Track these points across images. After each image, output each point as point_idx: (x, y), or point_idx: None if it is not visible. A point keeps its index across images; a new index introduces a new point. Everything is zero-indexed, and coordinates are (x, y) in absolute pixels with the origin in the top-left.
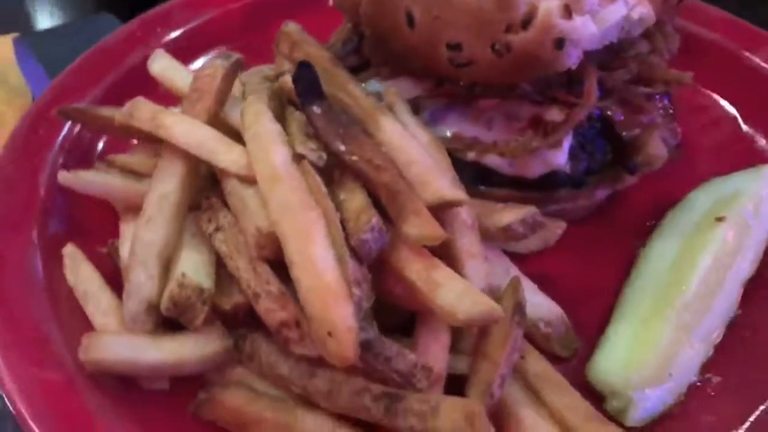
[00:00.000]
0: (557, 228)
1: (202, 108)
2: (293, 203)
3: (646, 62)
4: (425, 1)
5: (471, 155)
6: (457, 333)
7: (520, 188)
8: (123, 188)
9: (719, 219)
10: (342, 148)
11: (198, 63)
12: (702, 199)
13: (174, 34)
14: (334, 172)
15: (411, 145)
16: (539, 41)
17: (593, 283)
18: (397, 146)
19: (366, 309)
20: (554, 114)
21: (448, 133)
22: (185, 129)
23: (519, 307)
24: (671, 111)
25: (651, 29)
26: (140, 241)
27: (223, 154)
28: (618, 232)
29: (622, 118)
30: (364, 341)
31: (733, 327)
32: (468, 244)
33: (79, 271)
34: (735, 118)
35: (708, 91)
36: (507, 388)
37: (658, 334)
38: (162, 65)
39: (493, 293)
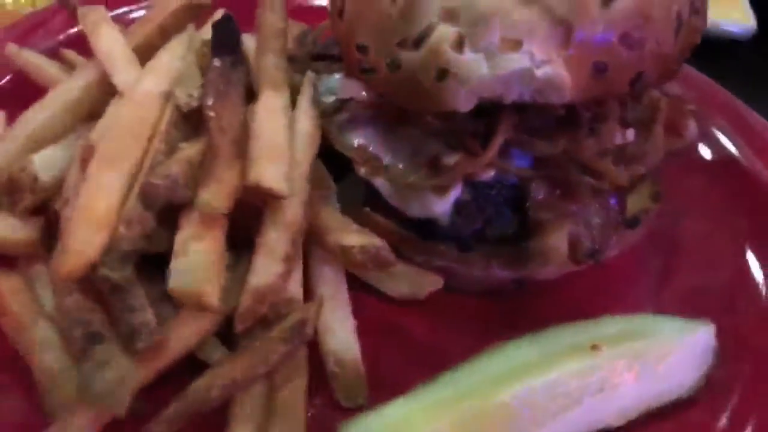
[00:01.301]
0: (432, 283)
1: (141, 33)
2: (123, 127)
3: (577, 142)
4: None
5: (363, 171)
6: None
7: (402, 225)
8: (52, 76)
9: (594, 347)
10: (209, 101)
11: None
12: (610, 325)
13: None
14: None
15: (273, 125)
16: (424, 66)
17: (445, 358)
18: (260, 120)
19: (127, 251)
20: (451, 159)
21: (355, 142)
22: (107, 42)
23: (299, 325)
24: (614, 215)
25: (603, 111)
26: (23, 118)
27: (121, 73)
28: (509, 323)
29: (542, 196)
30: (113, 282)
31: None
32: (273, 240)
33: None
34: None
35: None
36: (243, 399)
37: (428, 426)
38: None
39: (294, 303)
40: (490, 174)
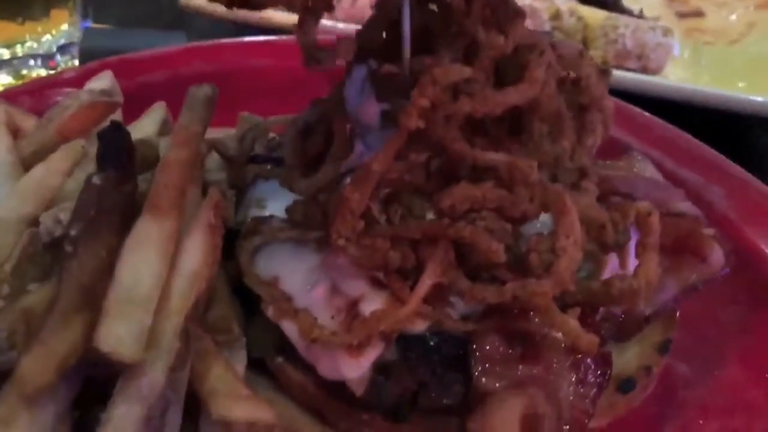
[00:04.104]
0: None
1: (39, 138)
2: None
3: (526, 288)
4: None
5: (270, 312)
6: None
7: (322, 383)
8: None
9: None
10: (73, 231)
11: None
12: None
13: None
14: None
15: (140, 265)
16: None
17: None
18: (125, 258)
19: None
20: (373, 304)
21: (269, 274)
22: None
23: None
24: (594, 379)
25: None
26: None
27: None
28: None
29: (492, 356)
30: None
31: None
32: (121, 416)
33: None
34: None
35: None
36: None
37: None
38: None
39: None
40: (420, 327)
